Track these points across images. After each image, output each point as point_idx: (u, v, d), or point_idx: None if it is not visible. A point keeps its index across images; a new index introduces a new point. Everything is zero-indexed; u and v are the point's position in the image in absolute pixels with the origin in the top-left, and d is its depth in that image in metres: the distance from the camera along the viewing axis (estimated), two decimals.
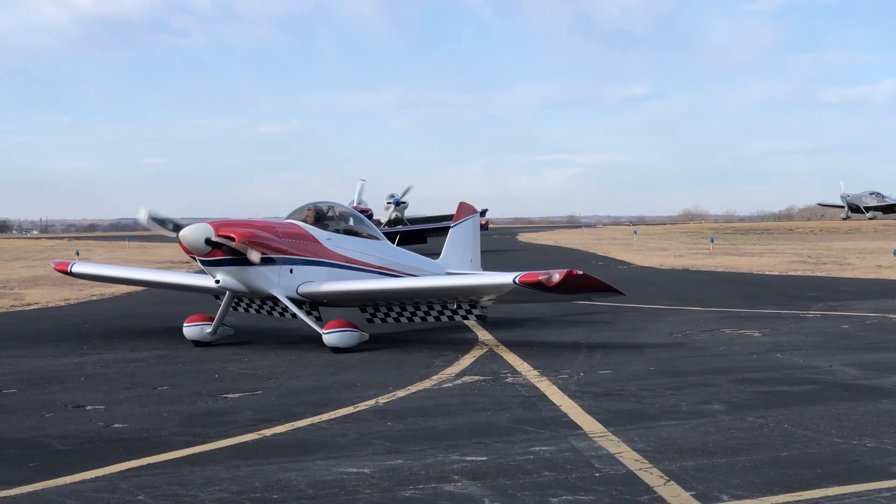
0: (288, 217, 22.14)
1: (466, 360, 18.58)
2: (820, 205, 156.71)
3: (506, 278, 19.11)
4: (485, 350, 19.93)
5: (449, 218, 79.26)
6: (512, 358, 18.75)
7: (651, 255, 58.55)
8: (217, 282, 20.52)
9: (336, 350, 19.83)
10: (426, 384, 16.20)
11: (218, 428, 13.04)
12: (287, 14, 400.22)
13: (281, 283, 20.72)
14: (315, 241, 21.49)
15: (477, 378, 16.68)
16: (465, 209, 27.34)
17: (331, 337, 19.95)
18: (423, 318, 21.61)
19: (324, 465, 11.01)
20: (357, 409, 14.15)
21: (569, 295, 20.17)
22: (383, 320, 21.96)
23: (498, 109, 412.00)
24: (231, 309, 21.74)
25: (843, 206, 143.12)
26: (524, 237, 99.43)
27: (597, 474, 10.48)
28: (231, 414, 14.07)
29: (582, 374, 16.89)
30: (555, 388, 15.48)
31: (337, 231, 22.18)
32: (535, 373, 16.98)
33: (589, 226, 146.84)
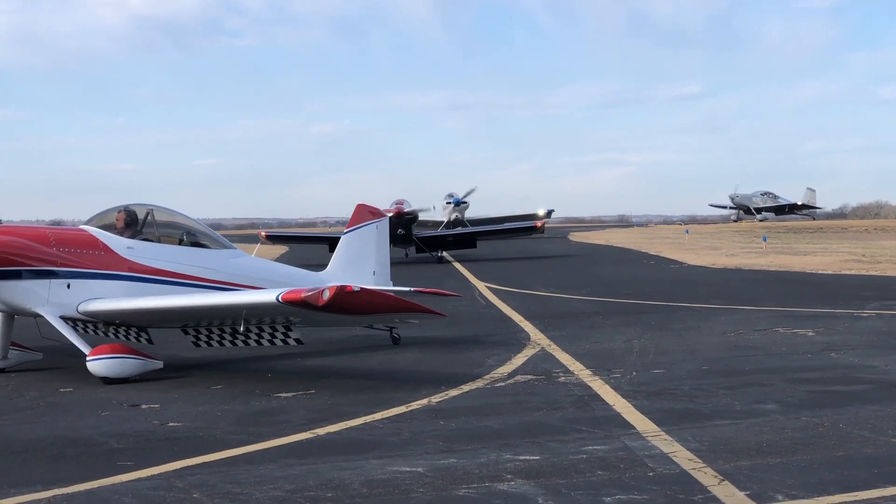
0: (87, 221, 19.01)
1: (518, 360, 18.57)
2: (711, 205, 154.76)
3: (269, 296, 15.96)
4: (537, 349, 19.90)
5: (504, 220, 78.70)
6: (564, 357, 18.72)
7: (703, 254, 58.25)
8: None
9: (106, 380, 16.76)
10: (479, 383, 16.21)
11: (272, 427, 13.11)
12: (340, 15, 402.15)
13: (52, 299, 17.45)
14: (108, 250, 18.17)
15: (529, 377, 16.67)
16: (363, 212, 22.93)
17: (95, 364, 16.82)
18: (245, 342, 17.86)
19: (377, 464, 11.04)
20: (410, 409, 14.18)
21: (365, 316, 17.61)
22: (208, 344, 18.26)
23: (549, 109, 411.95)
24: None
25: (733, 208, 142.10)
26: (575, 237, 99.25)
27: (650, 474, 10.45)
28: (284, 413, 14.14)
29: (634, 373, 16.85)
30: (607, 388, 15.44)
31: (149, 239, 18.79)
32: (588, 372, 16.95)
33: (640, 225, 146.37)
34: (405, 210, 54.51)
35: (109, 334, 18.02)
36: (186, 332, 18.27)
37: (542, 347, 20.17)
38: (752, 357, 18.51)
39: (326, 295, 14.81)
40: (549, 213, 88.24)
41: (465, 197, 77.78)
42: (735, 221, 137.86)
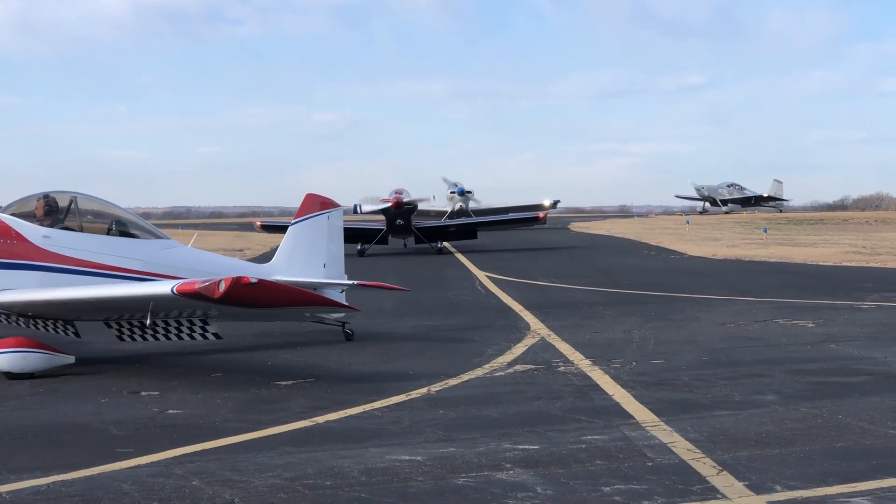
0: (5, 208, 18.02)
1: (518, 349, 18.58)
2: (677, 196, 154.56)
3: (165, 288, 15.10)
4: (537, 339, 19.91)
5: (509, 210, 78.06)
6: (564, 347, 18.73)
7: (703, 245, 58.22)
8: None
9: (9, 375, 16.11)
10: (478, 372, 16.21)
11: (271, 415, 13.12)
12: (343, 3, 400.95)
13: None
14: (21, 239, 17.16)
15: (529, 367, 16.68)
16: (313, 202, 21.66)
17: None
18: (166, 336, 17.20)
19: (376, 452, 11.05)
20: (409, 398, 14.18)
21: (270, 309, 16.59)
22: (131, 338, 17.50)
23: (552, 99, 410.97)
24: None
25: (698, 199, 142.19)
26: (576, 227, 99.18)
27: (649, 464, 10.46)
28: (284, 401, 14.15)
29: (634, 363, 16.85)
30: (607, 378, 15.45)
31: (70, 228, 17.81)
32: (587, 362, 16.95)
33: (641, 215, 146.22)
34: (404, 199, 53.82)
35: (30, 326, 17.23)
36: (109, 326, 17.56)
37: (542, 337, 20.17)
38: (752, 348, 18.51)
39: (222, 287, 14.08)
40: (554, 204, 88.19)
41: (467, 186, 77.20)
42: (701, 213, 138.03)
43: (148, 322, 16.29)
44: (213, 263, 19.95)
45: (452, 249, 55.90)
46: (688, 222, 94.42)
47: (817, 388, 14.48)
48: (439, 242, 54.37)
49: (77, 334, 17.65)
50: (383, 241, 54.21)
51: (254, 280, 14.22)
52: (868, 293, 28.47)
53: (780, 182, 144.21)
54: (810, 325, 21.69)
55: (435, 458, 10.73)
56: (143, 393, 14.88)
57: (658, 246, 58.94)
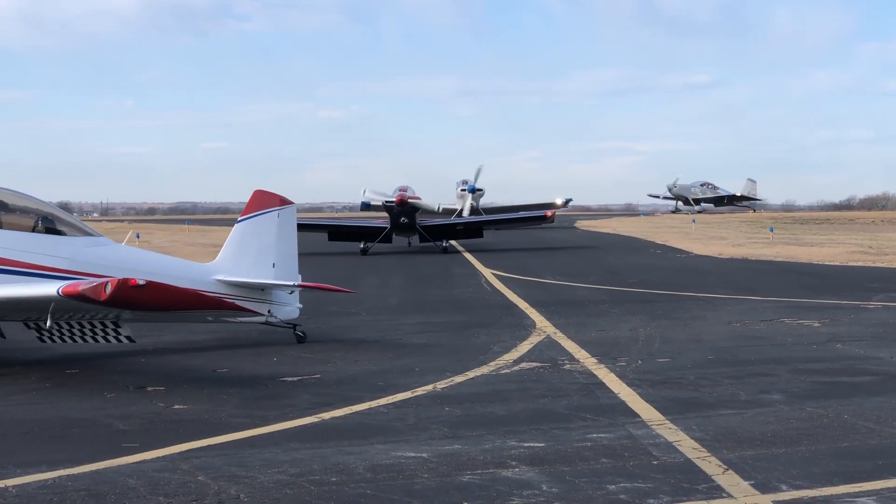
0: None
1: (524, 347, 18.58)
2: (650, 195, 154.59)
3: (50, 289, 14.59)
4: (542, 337, 19.91)
5: (520, 209, 77.32)
6: (569, 345, 18.73)
7: (709, 243, 58.21)
8: None
9: None
10: (484, 370, 16.22)
11: (277, 411, 13.12)
12: None
13: None
14: None
15: (535, 364, 16.68)
16: (262, 199, 20.35)
17: None
18: (82, 338, 16.63)
19: (382, 449, 11.06)
20: (415, 394, 14.19)
21: (164, 312, 16.21)
22: (51, 339, 16.89)
23: (558, 97, 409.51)
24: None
25: (670, 198, 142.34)
26: (582, 225, 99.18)
27: (655, 462, 10.46)
28: (290, 397, 14.16)
29: (640, 361, 16.85)
30: (613, 376, 15.45)
31: None
32: (593, 360, 16.95)
33: (647, 214, 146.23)
34: (408, 197, 53.15)
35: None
36: (28, 327, 17.16)
37: (548, 335, 20.18)
38: (758, 347, 18.51)
39: (108, 289, 13.53)
40: (566, 202, 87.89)
41: (475, 181, 76.42)
42: (674, 212, 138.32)
43: (47, 324, 15.73)
44: (146, 262, 18.91)
45: (460, 248, 55.66)
46: (693, 221, 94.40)
47: (823, 388, 14.48)
48: (444, 241, 53.63)
49: (2, 334, 17.54)
50: (387, 239, 53.50)
51: (141, 282, 13.53)
52: (874, 293, 28.46)
53: (753, 181, 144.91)
54: (816, 324, 21.68)
55: (441, 455, 10.74)
56: (149, 388, 14.89)
57: (664, 244, 58.95)
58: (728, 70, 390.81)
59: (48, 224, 17.71)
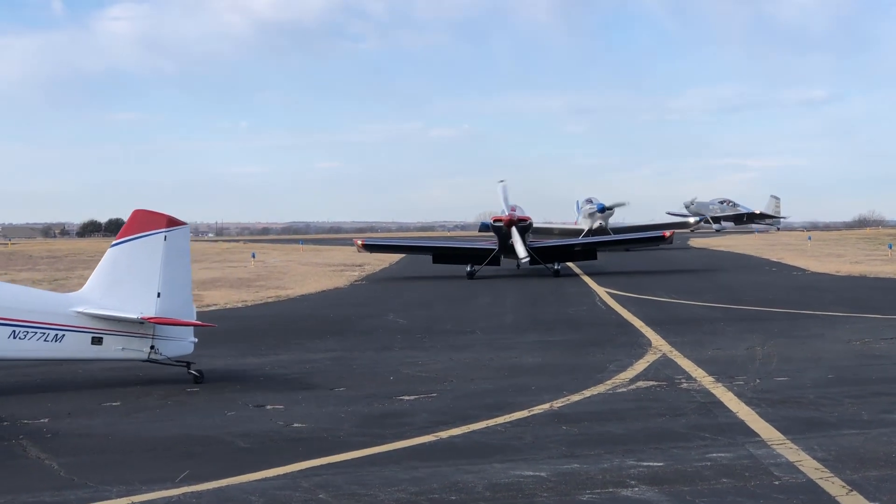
0: None
1: (640, 366, 18.49)
2: (668, 213, 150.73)
3: None
4: (658, 355, 19.79)
5: (651, 228, 74.88)
6: (686, 363, 18.59)
7: (826, 261, 57.30)
8: None
9: None
10: (600, 388, 16.17)
11: (395, 429, 13.22)
12: (463, 18, 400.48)
13: None
14: None
15: (651, 383, 16.60)
16: (144, 220, 17.79)
17: None
18: None
19: (500, 467, 11.08)
20: (532, 413, 14.20)
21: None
22: None
23: (671, 114, 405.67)
24: None
25: (689, 216, 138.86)
26: (695, 242, 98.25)
27: (776, 482, 10.34)
28: (407, 416, 14.25)
29: (758, 380, 16.67)
30: (730, 395, 15.31)
31: None
32: (710, 379, 16.81)
33: (761, 231, 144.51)
34: (517, 216, 49.80)
35: None
36: None
37: (664, 353, 20.04)
38: (880, 366, 18.19)
39: None
40: (698, 222, 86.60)
41: (611, 205, 74.37)
42: (692, 231, 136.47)
43: None
44: (5, 297, 17.03)
45: (578, 271, 53.50)
46: (809, 238, 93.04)
47: None
48: (557, 264, 49.90)
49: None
50: (495, 261, 50.46)
51: None
52: None
53: (777, 198, 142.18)
54: None
55: (559, 474, 10.74)
56: (269, 406, 15.09)
57: (779, 262, 58.14)
58: (844, 85, 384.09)
59: None
